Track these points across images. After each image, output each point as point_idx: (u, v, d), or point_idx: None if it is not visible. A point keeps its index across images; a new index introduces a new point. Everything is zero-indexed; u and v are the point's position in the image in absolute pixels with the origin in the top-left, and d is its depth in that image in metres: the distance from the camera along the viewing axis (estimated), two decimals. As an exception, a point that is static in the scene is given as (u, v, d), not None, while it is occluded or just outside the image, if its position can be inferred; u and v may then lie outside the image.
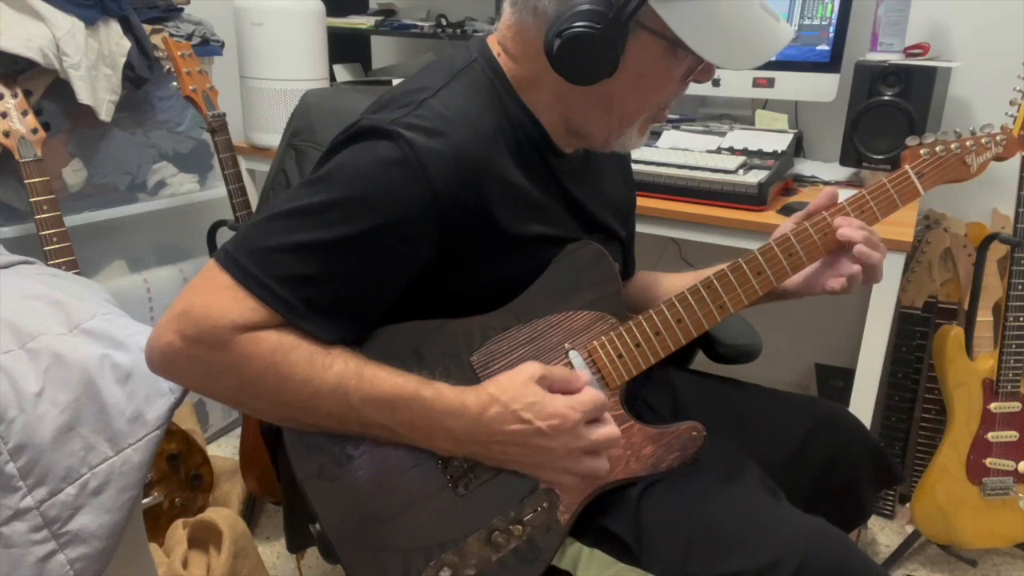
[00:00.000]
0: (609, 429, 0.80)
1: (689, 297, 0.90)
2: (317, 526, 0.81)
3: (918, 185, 0.96)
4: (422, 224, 0.78)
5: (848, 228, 0.91)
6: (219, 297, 0.75)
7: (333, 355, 0.77)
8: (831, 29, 1.68)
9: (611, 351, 0.89)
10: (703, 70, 0.82)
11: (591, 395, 0.80)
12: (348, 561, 0.80)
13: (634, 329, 0.89)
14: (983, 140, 0.99)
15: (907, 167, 0.96)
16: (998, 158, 1.01)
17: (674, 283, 1.09)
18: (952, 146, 0.98)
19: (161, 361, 0.77)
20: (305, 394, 0.76)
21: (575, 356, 0.88)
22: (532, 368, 0.80)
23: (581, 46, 0.75)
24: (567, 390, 0.80)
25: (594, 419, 0.80)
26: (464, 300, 0.85)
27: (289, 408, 0.78)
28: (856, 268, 0.91)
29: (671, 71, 0.81)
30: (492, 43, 0.87)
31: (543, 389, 0.79)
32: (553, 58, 0.76)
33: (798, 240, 0.92)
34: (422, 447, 0.80)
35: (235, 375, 0.76)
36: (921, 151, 0.98)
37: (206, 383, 0.78)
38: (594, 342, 0.88)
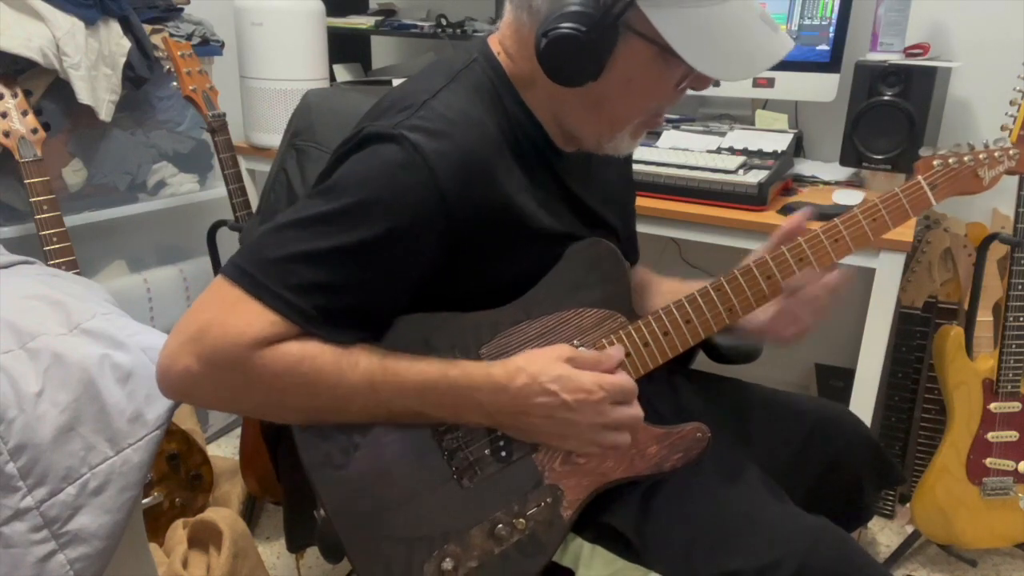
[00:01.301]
0: (634, 410, 0.83)
1: (699, 299, 0.90)
2: (321, 512, 0.81)
3: (931, 196, 0.95)
4: (431, 225, 0.78)
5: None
6: (234, 314, 0.74)
7: (356, 354, 0.78)
8: (831, 29, 1.68)
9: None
10: (698, 78, 0.81)
11: (620, 378, 0.82)
12: (351, 549, 0.80)
13: (643, 328, 0.89)
14: (996, 153, 0.99)
15: (920, 178, 0.95)
16: (1010, 172, 1.00)
17: (667, 287, 1.09)
18: (965, 159, 0.97)
19: (180, 386, 0.76)
20: (335, 397, 0.77)
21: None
22: (562, 348, 0.82)
23: (566, 47, 0.74)
24: (597, 370, 0.82)
25: (620, 402, 0.82)
26: (470, 298, 0.85)
27: (318, 413, 0.79)
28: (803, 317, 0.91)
29: (663, 77, 0.81)
30: (493, 43, 0.87)
31: (571, 367, 0.81)
32: (539, 57, 0.76)
33: (809, 245, 0.91)
34: (453, 423, 0.82)
35: (262, 391, 0.76)
36: (934, 163, 0.96)
37: (230, 402, 0.79)
38: (603, 340, 0.88)
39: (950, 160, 0.97)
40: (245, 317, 0.74)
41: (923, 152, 0.98)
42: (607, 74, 0.77)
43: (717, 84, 0.86)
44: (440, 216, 0.78)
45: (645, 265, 1.16)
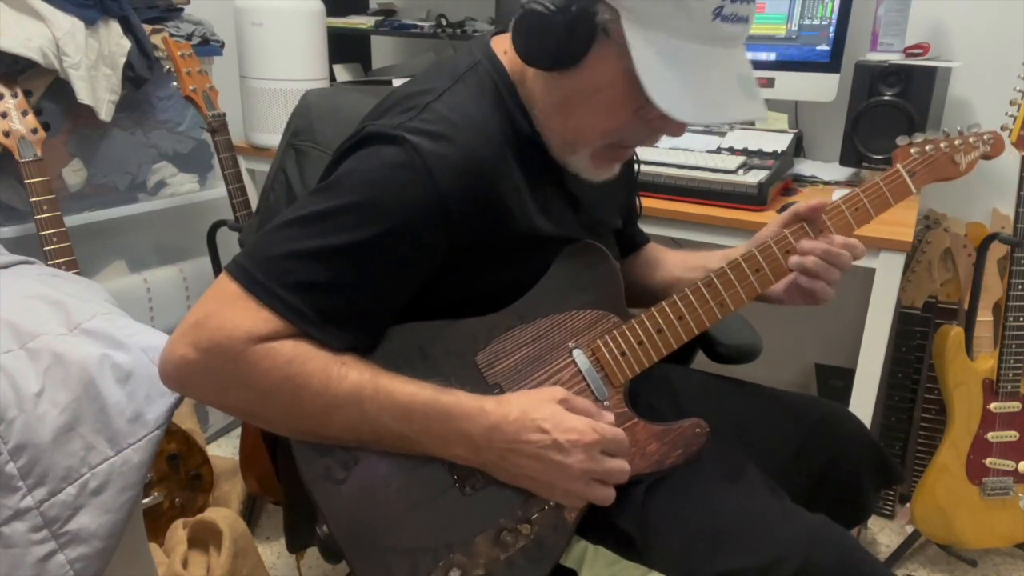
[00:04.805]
0: (623, 463, 0.81)
1: (690, 295, 0.91)
2: (324, 528, 0.81)
3: (910, 183, 0.97)
4: (429, 228, 0.78)
5: (798, 257, 0.92)
6: (232, 308, 0.74)
7: (347, 366, 0.77)
8: (831, 29, 1.68)
9: (614, 349, 0.89)
10: (661, 117, 0.75)
11: (614, 428, 0.81)
12: (355, 563, 0.80)
13: (636, 327, 0.90)
14: (971, 139, 1.02)
15: (899, 166, 0.98)
16: (986, 157, 1.03)
17: (678, 259, 1.11)
18: (941, 145, 1.00)
19: (175, 374, 0.77)
20: (319, 406, 0.76)
21: (579, 354, 0.88)
22: (556, 390, 0.81)
23: (534, 22, 0.75)
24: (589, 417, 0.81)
25: (611, 453, 0.81)
26: (468, 302, 0.85)
27: (304, 420, 0.78)
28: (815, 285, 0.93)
29: (626, 99, 0.78)
30: (497, 44, 0.87)
31: (564, 408, 0.80)
32: (511, 30, 0.77)
33: (795, 238, 0.93)
34: (438, 455, 0.80)
35: (250, 388, 0.75)
36: (911, 150, 1.00)
37: (220, 396, 0.78)
38: (597, 340, 0.89)
39: (927, 147, 1.00)
40: (242, 313, 0.74)
41: (900, 141, 1.00)
42: (577, 73, 0.77)
43: (678, 134, 0.84)
44: (439, 220, 0.77)
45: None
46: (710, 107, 0.76)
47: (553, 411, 0.79)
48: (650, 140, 0.85)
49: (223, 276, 0.77)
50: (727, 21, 0.75)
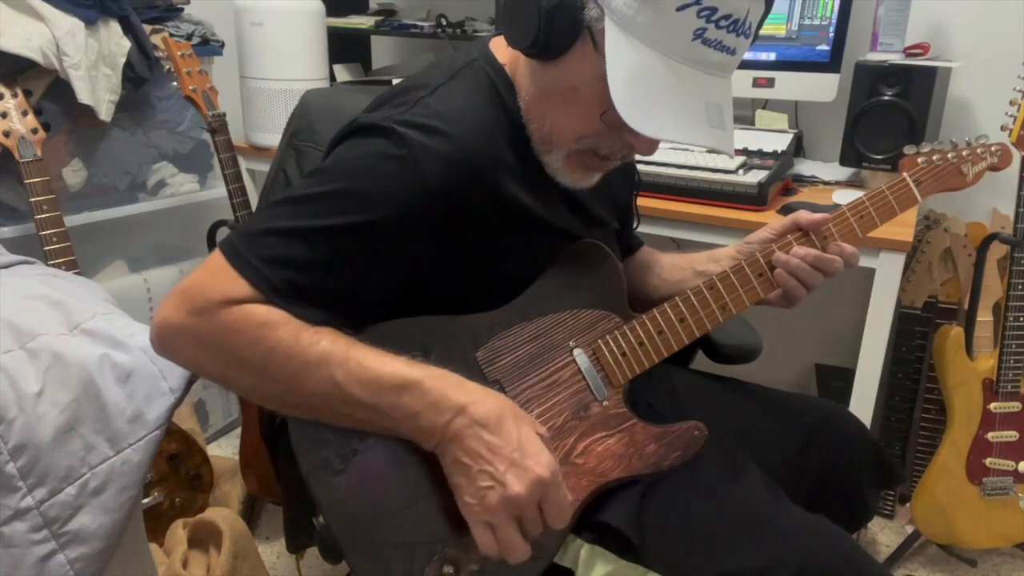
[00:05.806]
0: (521, 541, 0.76)
1: (692, 297, 0.91)
2: (320, 519, 0.81)
3: (916, 193, 0.97)
4: (412, 221, 0.78)
5: (784, 255, 0.92)
6: (214, 275, 0.77)
7: (321, 333, 0.77)
8: (831, 29, 1.68)
9: (615, 349, 0.89)
10: (627, 126, 0.73)
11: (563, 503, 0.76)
12: (351, 555, 0.80)
13: (638, 328, 0.90)
14: (978, 150, 1.01)
15: (905, 175, 0.98)
16: (993, 168, 1.03)
17: (669, 261, 1.11)
18: (949, 155, 1.00)
19: (157, 337, 0.78)
20: (289, 369, 0.76)
21: (579, 354, 0.88)
22: (552, 461, 0.76)
23: (520, 5, 0.75)
24: (555, 512, 0.76)
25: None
26: (469, 296, 0.85)
27: (275, 384, 0.77)
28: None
29: (599, 101, 0.76)
30: (495, 45, 0.88)
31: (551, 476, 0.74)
32: (502, 9, 0.78)
33: (799, 244, 0.93)
34: (407, 430, 0.78)
35: (222, 349, 0.76)
36: (919, 160, 0.99)
37: (197, 359, 0.78)
38: (598, 340, 0.89)
39: (934, 157, 0.99)
40: (223, 279, 0.76)
41: (907, 150, 1.00)
42: (559, 68, 0.78)
43: (648, 152, 0.82)
44: (422, 212, 0.78)
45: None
46: (669, 125, 0.74)
47: (527, 442, 0.74)
48: (624, 153, 0.84)
49: (215, 251, 0.79)
50: (710, 46, 0.74)
